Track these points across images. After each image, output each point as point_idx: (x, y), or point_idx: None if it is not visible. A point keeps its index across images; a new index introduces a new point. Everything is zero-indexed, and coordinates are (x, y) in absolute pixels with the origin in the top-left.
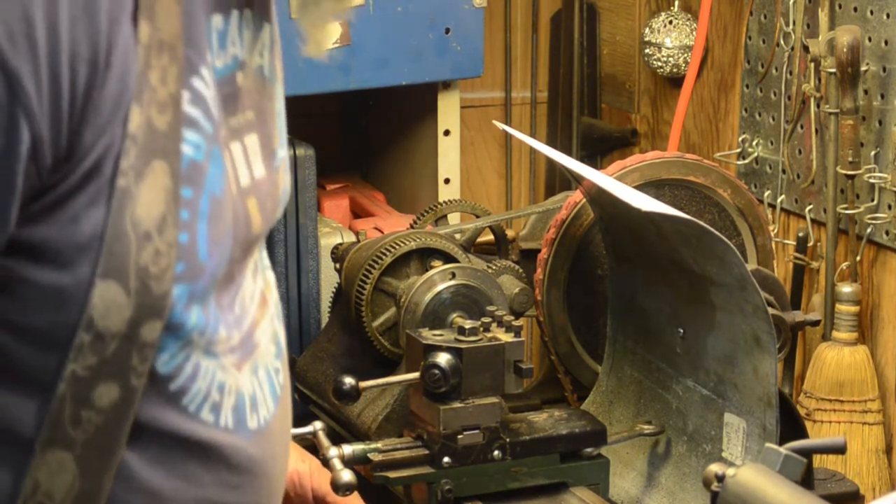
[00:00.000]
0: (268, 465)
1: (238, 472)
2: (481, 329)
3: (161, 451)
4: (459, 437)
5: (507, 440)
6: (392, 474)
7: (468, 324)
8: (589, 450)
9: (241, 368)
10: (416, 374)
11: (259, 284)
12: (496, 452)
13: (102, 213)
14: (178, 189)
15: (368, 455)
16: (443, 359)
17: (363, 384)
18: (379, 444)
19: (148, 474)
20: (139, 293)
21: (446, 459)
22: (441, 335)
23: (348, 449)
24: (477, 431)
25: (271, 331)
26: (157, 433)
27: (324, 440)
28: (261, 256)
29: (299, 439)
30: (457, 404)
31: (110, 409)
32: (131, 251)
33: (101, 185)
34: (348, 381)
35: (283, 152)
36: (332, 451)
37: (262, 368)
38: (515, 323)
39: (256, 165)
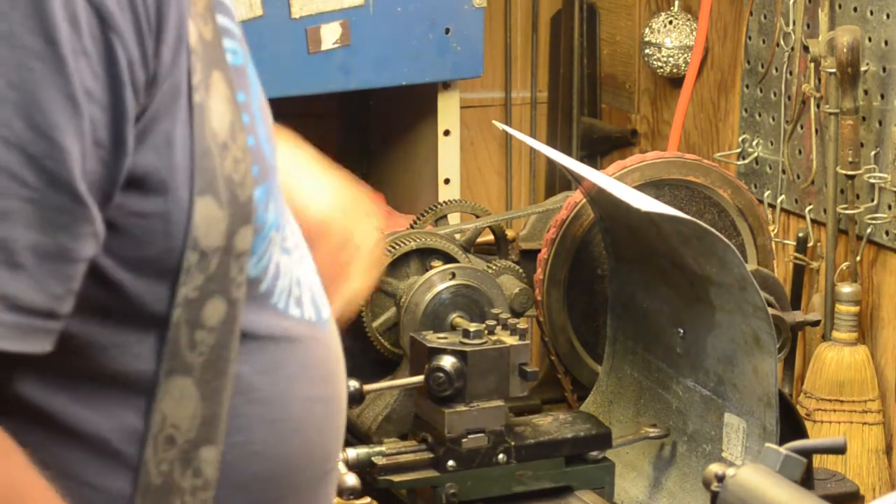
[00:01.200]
0: (340, 355)
1: (326, 363)
2: (486, 332)
3: (265, 357)
4: (464, 440)
5: (512, 443)
6: (396, 478)
7: (472, 327)
8: (594, 453)
9: (302, 262)
10: (420, 378)
11: None
12: (501, 456)
13: (188, 131)
14: (234, 95)
15: (373, 458)
16: (447, 362)
17: (367, 387)
18: (383, 448)
19: (259, 383)
20: (230, 203)
21: (451, 463)
22: (445, 338)
23: (352, 452)
24: (482, 435)
25: None
26: (259, 339)
27: None
28: None
29: None
30: (461, 408)
31: (220, 326)
32: (216, 163)
33: (182, 104)
34: (352, 384)
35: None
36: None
37: (308, 260)
38: (520, 326)
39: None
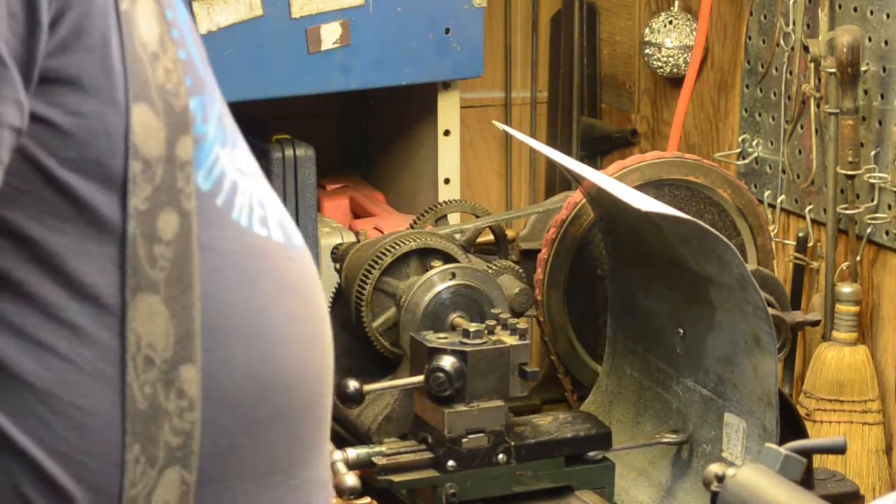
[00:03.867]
0: (318, 280)
1: (303, 281)
2: (486, 332)
3: (235, 272)
4: (464, 440)
5: (512, 443)
6: (396, 478)
7: (472, 327)
8: (594, 453)
9: (263, 187)
10: (420, 378)
11: None
12: (501, 456)
13: (118, 39)
14: (162, 11)
15: (372, 458)
16: (447, 362)
17: (367, 387)
18: (383, 448)
19: (232, 299)
20: (165, 112)
21: (451, 463)
22: (445, 338)
23: (352, 452)
24: (482, 435)
25: None
26: (224, 253)
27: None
28: None
29: None
30: (461, 408)
31: (176, 239)
32: (148, 72)
33: (109, 9)
34: (352, 384)
35: None
36: (337, 455)
37: (270, 190)
38: (520, 326)
39: None
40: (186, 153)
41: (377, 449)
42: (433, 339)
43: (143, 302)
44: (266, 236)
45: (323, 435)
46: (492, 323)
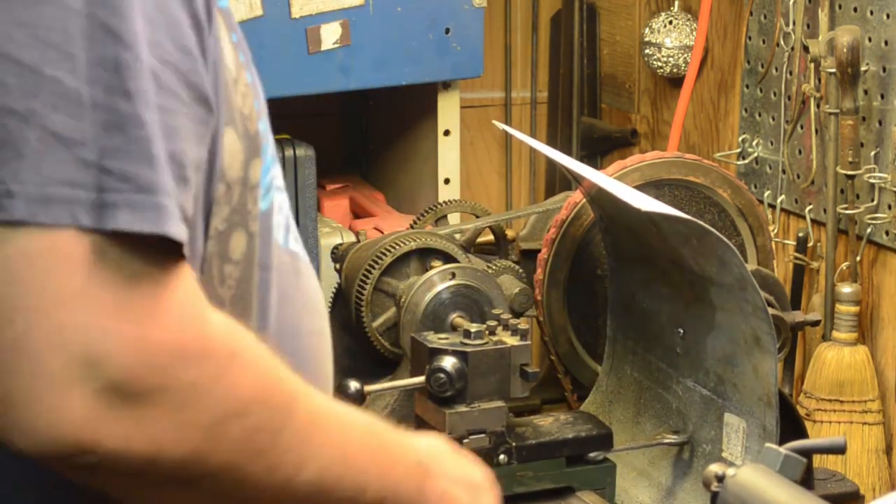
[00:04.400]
0: (321, 294)
1: (318, 296)
2: (487, 332)
3: (276, 290)
4: (465, 441)
5: (513, 444)
6: None
7: (473, 327)
8: (595, 454)
9: (287, 200)
10: (421, 378)
11: None
12: (502, 456)
13: (214, 59)
14: (230, 35)
15: None
16: (448, 362)
17: (368, 388)
18: None
19: (273, 317)
20: (244, 135)
21: None
22: (446, 338)
23: None
24: (483, 435)
25: None
26: (271, 271)
27: None
28: None
29: None
30: (462, 408)
31: (243, 259)
32: (232, 96)
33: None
34: (353, 384)
35: None
36: None
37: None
38: (521, 326)
39: None
40: (256, 176)
41: None
42: (434, 339)
43: None
44: (297, 253)
45: None
46: (493, 323)
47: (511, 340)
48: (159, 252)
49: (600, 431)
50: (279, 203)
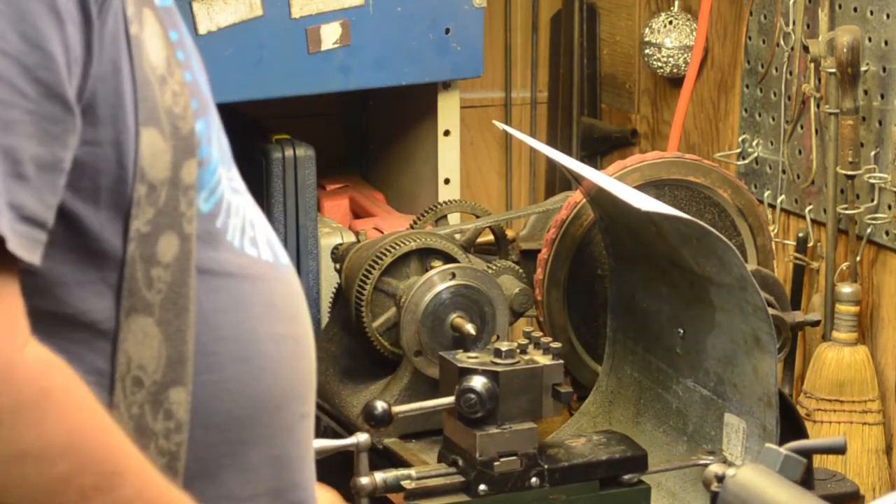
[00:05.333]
0: (303, 297)
1: (290, 302)
2: (518, 351)
3: (228, 294)
4: (496, 463)
5: (545, 467)
6: (426, 503)
7: (504, 346)
8: (629, 476)
9: (252, 205)
10: (450, 399)
11: None
12: (534, 479)
13: (128, 63)
14: (167, 33)
15: (401, 483)
16: (478, 382)
17: (396, 409)
18: (412, 471)
19: (225, 321)
20: (173, 135)
21: (482, 487)
22: (476, 357)
23: (380, 476)
24: (514, 458)
25: None
26: (218, 276)
27: (363, 462)
28: None
29: (340, 450)
30: (493, 430)
31: (175, 262)
32: (157, 95)
33: (120, 32)
34: (380, 405)
35: None
36: (363, 479)
37: (256, 207)
38: (553, 345)
39: None
40: (191, 177)
41: (406, 472)
42: (464, 358)
43: (136, 324)
44: (256, 257)
45: (308, 456)
46: (524, 342)
47: (543, 359)
48: None
49: (635, 453)
50: (235, 206)
